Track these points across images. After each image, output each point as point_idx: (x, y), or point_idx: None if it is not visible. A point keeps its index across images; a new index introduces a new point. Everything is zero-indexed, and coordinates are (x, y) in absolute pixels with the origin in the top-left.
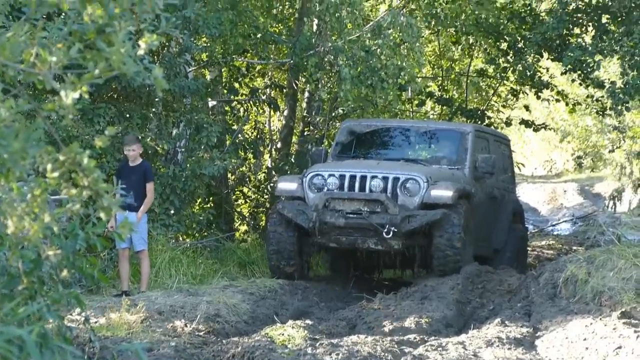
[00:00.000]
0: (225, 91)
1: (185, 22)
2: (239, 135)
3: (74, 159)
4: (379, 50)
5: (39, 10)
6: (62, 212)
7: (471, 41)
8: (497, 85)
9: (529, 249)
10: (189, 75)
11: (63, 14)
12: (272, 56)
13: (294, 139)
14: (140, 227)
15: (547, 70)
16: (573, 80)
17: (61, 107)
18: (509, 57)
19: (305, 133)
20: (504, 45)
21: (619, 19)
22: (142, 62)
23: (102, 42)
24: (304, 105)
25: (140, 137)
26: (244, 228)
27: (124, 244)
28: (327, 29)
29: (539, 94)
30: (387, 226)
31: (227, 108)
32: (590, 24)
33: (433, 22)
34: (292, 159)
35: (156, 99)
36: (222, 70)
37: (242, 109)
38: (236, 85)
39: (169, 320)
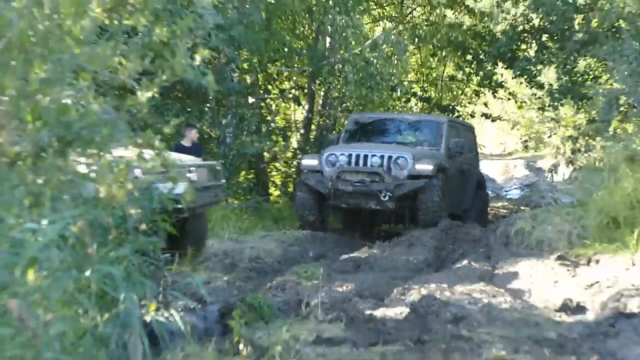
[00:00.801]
0: (261, 91)
1: (231, 40)
2: (272, 124)
3: (149, 142)
4: (375, 61)
5: (120, 29)
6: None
7: (444, 54)
8: (464, 87)
9: (489, 209)
10: (234, 79)
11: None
12: (295, 65)
13: (313, 127)
14: None
15: (502, 76)
16: (521, 83)
17: (138, 104)
18: (472, 66)
19: (321, 123)
20: (468, 57)
21: (555, 37)
22: (198, 69)
23: (168, 54)
24: (320, 102)
25: (197, 126)
26: (277, 193)
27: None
28: (336, 45)
29: (495, 93)
30: (383, 192)
31: (262, 104)
32: (533, 41)
33: (416, 40)
34: (312, 142)
35: (209, 97)
36: (258, 75)
37: (273, 105)
38: (269, 87)
39: (222, 262)
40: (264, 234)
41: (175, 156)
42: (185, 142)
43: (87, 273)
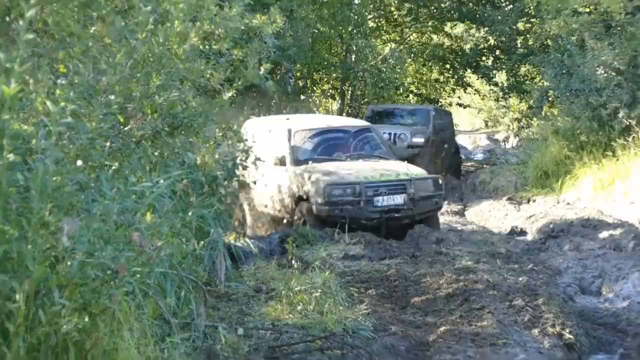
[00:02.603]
0: (309, 91)
1: (288, 57)
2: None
3: (229, 127)
4: (385, 69)
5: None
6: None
7: (431, 64)
8: (445, 86)
9: (462, 167)
10: (291, 83)
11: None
12: (332, 74)
13: (344, 115)
14: None
15: (470, 78)
16: (483, 83)
17: (223, 101)
18: (450, 72)
19: (349, 112)
20: (447, 66)
21: (505, 51)
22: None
23: (242, 67)
24: (348, 98)
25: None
26: None
27: None
28: (359, 59)
29: (465, 90)
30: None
31: (310, 100)
32: (490, 54)
33: (412, 55)
34: None
35: (274, 96)
36: (307, 81)
37: (317, 100)
38: (314, 88)
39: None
40: None
41: (405, 168)
42: None
43: (189, 214)
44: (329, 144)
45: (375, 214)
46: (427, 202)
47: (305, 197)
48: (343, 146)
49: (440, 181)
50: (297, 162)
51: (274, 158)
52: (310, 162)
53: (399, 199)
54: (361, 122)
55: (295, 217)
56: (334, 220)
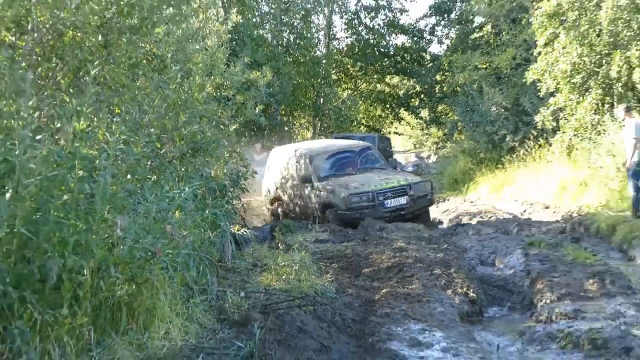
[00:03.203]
0: (290, 124)
1: (276, 100)
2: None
3: (234, 150)
4: (343, 109)
5: (221, 96)
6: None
7: (376, 104)
8: (385, 119)
9: None
10: (278, 118)
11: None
12: (307, 112)
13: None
14: None
15: (403, 114)
16: (412, 117)
17: (230, 132)
18: (389, 110)
19: (319, 138)
20: (387, 106)
21: (427, 94)
22: (258, 114)
23: (243, 107)
24: (318, 128)
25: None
26: None
27: None
28: (326, 101)
29: (400, 122)
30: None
31: (291, 131)
32: (417, 97)
33: (363, 98)
34: None
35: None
36: (289, 117)
37: (296, 131)
38: (294, 122)
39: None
40: None
41: (402, 175)
42: (257, 150)
43: (206, 212)
44: (341, 163)
45: (386, 213)
46: (423, 199)
47: (331, 204)
48: (352, 163)
49: (431, 183)
50: (319, 179)
51: (299, 177)
52: (330, 178)
53: (402, 200)
54: (362, 143)
55: (324, 219)
56: (354, 221)
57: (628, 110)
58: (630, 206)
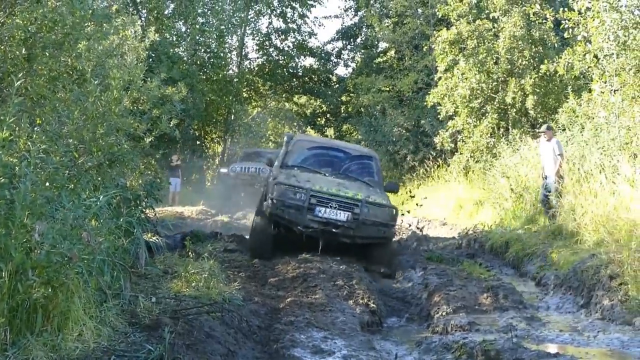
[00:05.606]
0: (203, 139)
1: (190, 115)
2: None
3: (149, 161)
4: (253, 125)
5: (138, 110)
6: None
7: (284, 122)
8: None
9: None
10: (191, 132)
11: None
12: (218, 127)
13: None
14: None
15: (310, 132)
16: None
17: (145, 144)
18: (297, 127)
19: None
20: (295, 124)
21: (333, 115)
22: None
23: (158, 121)
24: (229, 143)
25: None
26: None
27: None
28: (236, 118)
29: None
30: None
31: (203, 144)
32: (324, 117)
33: (272, 116)
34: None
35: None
36: (202, 131)
37: (208, 145)
38: (206, 136)
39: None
40: None
41: (369, 192)
42: (173, 161)
43: (120, 220)
44: (323, 159)
45: (314, 224)
46: (372, 228)
47: (265, 196)
48: (336, 164)
49: (395, 212)
50: (284, 165)
51: (268, 160)
52: (295, 168)
53: (342, 216)
54: (366, 150)
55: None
56: (277, 221)
57: (549, 129)
58: (522, 224)
